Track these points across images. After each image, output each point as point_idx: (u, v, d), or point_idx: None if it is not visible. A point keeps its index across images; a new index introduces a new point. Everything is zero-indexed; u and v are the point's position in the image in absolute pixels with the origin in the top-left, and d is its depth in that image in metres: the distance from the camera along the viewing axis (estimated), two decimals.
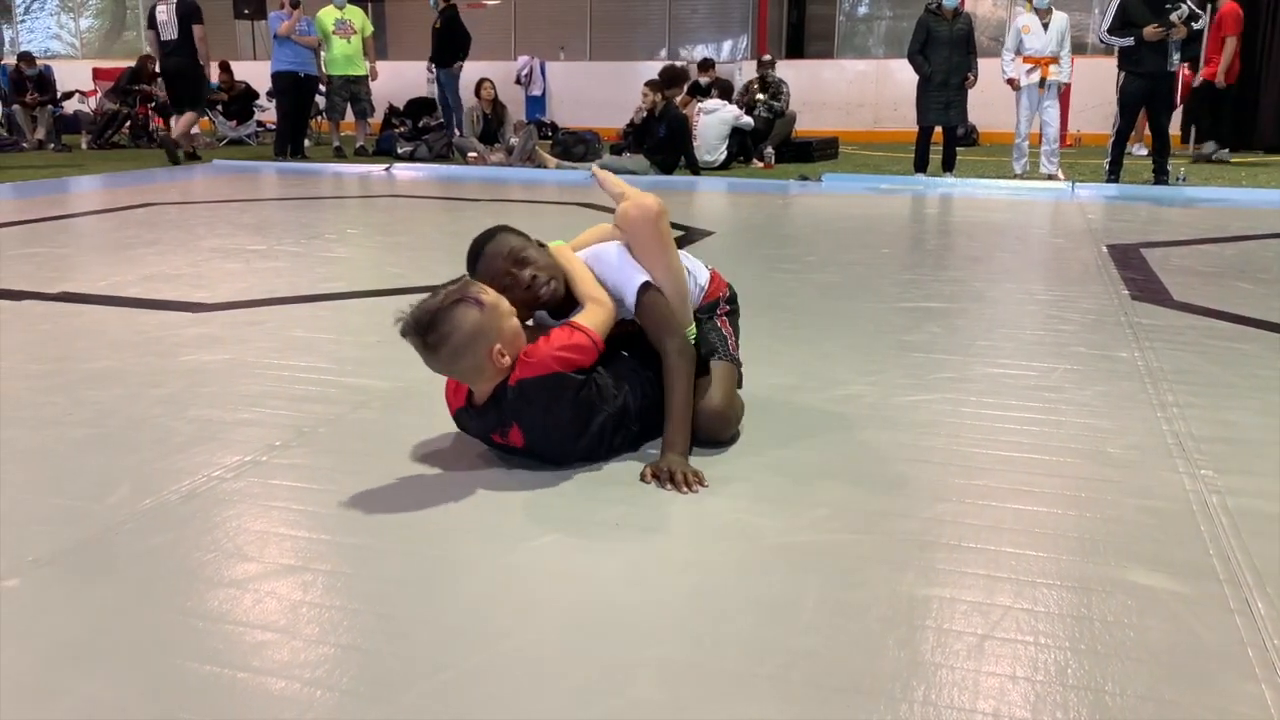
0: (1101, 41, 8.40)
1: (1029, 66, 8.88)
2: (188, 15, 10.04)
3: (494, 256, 2.34)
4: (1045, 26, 8.84)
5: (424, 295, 2.22)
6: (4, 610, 1.70)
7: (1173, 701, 1.46)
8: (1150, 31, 7.91)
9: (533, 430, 2.25)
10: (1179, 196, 8.02)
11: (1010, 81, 8.95)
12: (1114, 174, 8.62)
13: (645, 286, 2.37)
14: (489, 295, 2.20)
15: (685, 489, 2.16)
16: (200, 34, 10.10)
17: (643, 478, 2.23)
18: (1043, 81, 8.87)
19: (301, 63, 10.76)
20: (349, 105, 11.52)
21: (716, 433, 2.45)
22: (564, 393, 2.24)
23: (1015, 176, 9.02)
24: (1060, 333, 3.64)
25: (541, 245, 2.43)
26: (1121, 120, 8.48)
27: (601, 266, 2.42)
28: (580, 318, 2.31)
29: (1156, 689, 1.49)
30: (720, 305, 2.67)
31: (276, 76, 10.68)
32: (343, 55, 11.13)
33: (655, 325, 2.37)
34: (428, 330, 2.14)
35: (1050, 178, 8.87)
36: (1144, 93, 8.25)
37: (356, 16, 11.24)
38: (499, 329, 2.18)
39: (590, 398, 2.27)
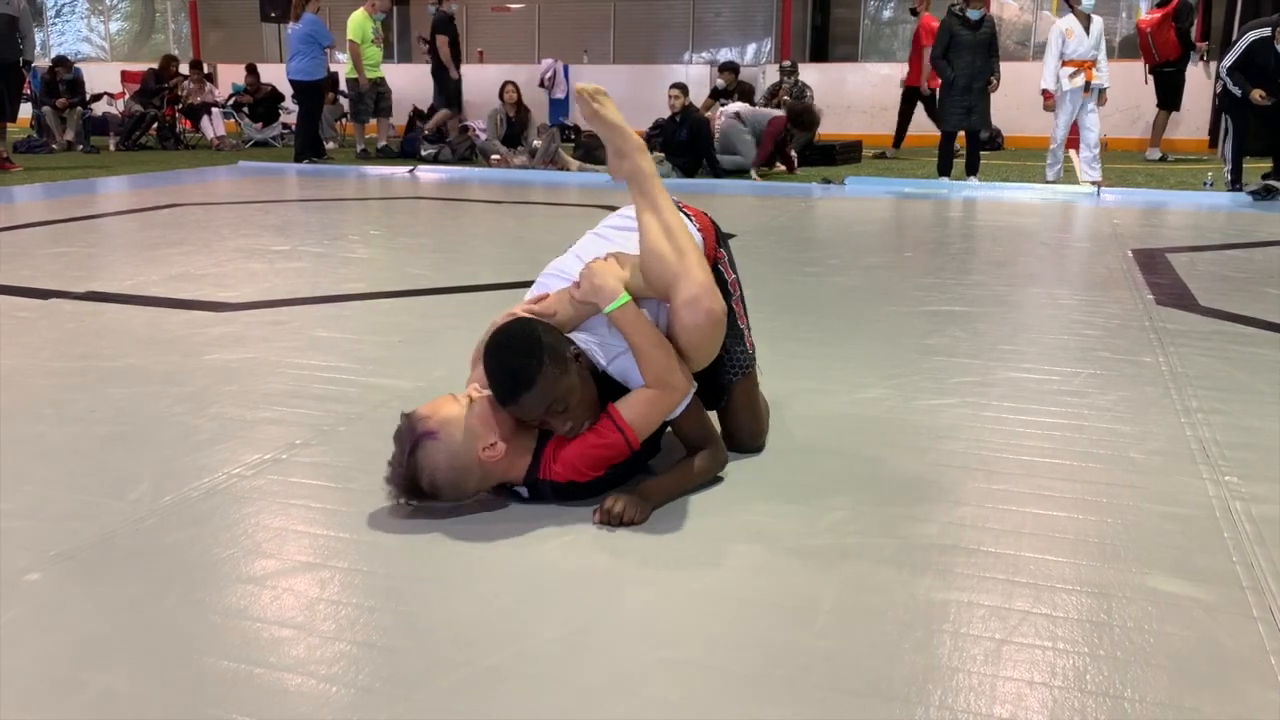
0: (1219, 77, 8.12)
1: (1071, 70, 8.61)
2: (434, 26, 11.40)
3: (534, 405, 2.01)
4: (1087, 31, 8.58)
5: (387, 463, 2.07)
6: (26, 603, 1.72)
7: (1193, 709, 1.44)
8: (1257, 97, 7.77)
9: (579, 502, 2.15)
10: (1207, 201, 7.95)
11: (1045, 94, 8.62)
12: (1237, 182, 8.15)
13: (694, 403, 2.20)
14: (434, 417, 2.03)
15: (606, 519, 2.03)
16: (441, 43, 11.31)
17: (595, 514, 2.07)
18: (1087, 85, 8.62)
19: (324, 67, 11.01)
20: (375, 106, 11.69)
21: (748, 446, 2.46)
22: (601, 489, 2.12)
23: (1047, 183, 8.79)
24: (1083, 337, 3.61)
25: (576, 357, 2.11)
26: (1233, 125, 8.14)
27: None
28: (626, 409, 2.11)
29: (1176, 696, 1.47)
30: (724, 272, 2.43)
31: (316, 84, 10.92)
32: (376, 60, 11.50)
33: (695, 438, 2.24)
34: (416, 489, 2.03)
35: (1094, 184, 8.57)
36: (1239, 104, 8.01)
37: (379, 24, 11.60)
38: (469, 431, 2.02)
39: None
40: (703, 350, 2.18)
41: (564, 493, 2.12)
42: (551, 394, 2.00)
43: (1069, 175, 9.19)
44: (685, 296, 2.11)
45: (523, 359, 1.99)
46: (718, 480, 2.27)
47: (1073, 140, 9.20)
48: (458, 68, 11.35)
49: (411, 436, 2.02)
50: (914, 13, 11.40)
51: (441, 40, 11.25)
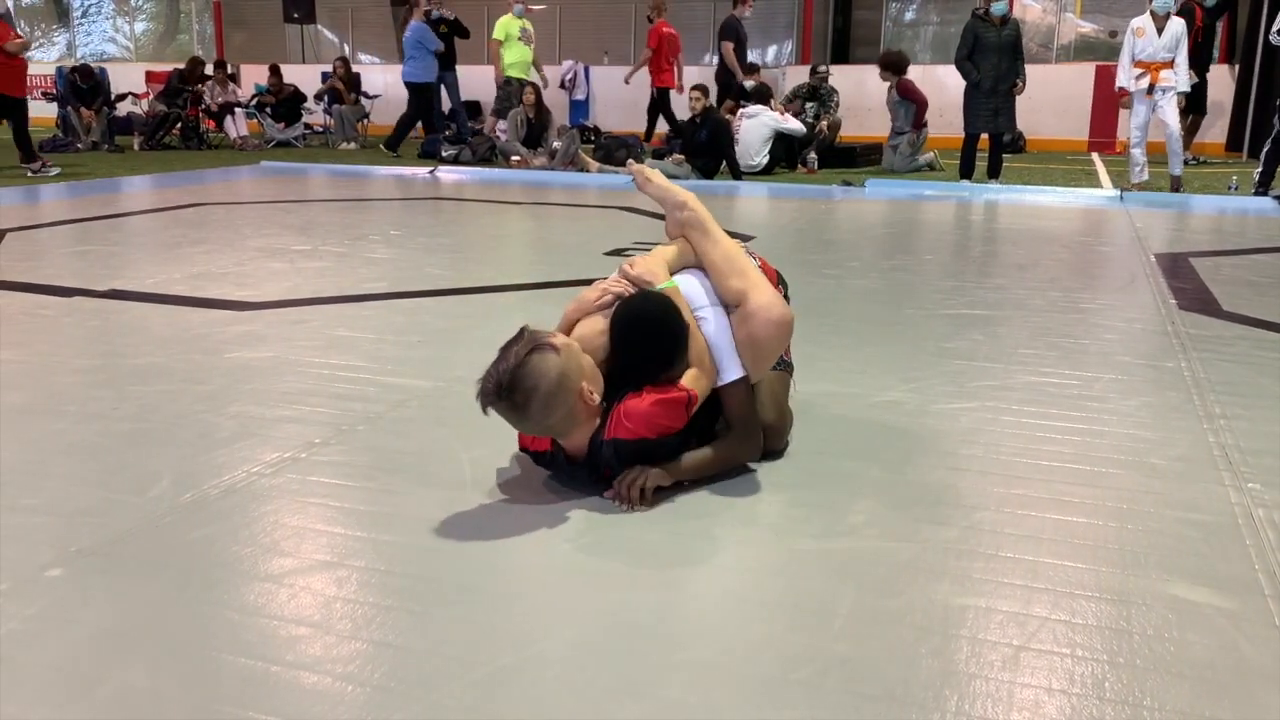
0: (1271, 43, 8.06)
1: (1138, 72, 8.36)
2: (722, 31, 11.45)
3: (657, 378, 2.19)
4: (1160, 31, 8.30)
5: (490, 363, 2.06)
6: (47, 599, 1.73)
7: (1213, 718, 1.43)
8: None
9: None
10: (1232, 205, 7.88)
11: (1121, 91, 8.42)
12: (1263, 186, 8.04)
13: (745, 380, 2.30)
14: (559, 338, 2.10)
15: (625, 501, 2.11)
16: (726, 48, 11.28)
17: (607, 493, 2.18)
18: (1151, 88, 8.33)
19: None
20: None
21: (769, 444, 2.44)
22: (657, 457, 2.17)
23: (1133, 187, 8.46)
24: (1105, 342, 3.58)
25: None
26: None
27: (708, 329, 2.32)
28: (685, 379, 2.21)
29: (1197, 705, 1.46)
30: None
31: (424, 85, 11.73)
32: (523, 60, 11.67)
33: (738, 415, 2.32)
34: (512, 391, 2.00)
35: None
36: None
37: (527, 24, 11.89)
38: (580, 367, 2.09)
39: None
40: (769, 349, 2.32)
41: (626, 454, 2.14)
42: (675, 374, 2.19)
43: (1091, 178, 9.11)
44: (755, 304, 2.29)
45: (667, 344, 2.17)
46: (746, 471, 2.27)
47: (1104, 145, 9.06)
48: (744, 72, 11.19)
49: (534, 341, 2.04)
50: (650, 19, 11.91)
51: (726, 46, 11.15)
